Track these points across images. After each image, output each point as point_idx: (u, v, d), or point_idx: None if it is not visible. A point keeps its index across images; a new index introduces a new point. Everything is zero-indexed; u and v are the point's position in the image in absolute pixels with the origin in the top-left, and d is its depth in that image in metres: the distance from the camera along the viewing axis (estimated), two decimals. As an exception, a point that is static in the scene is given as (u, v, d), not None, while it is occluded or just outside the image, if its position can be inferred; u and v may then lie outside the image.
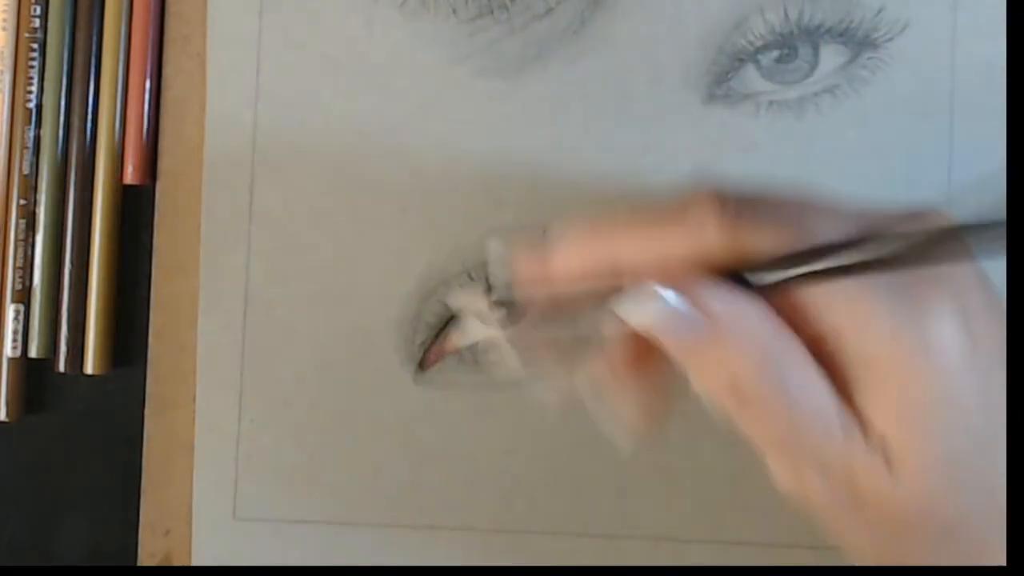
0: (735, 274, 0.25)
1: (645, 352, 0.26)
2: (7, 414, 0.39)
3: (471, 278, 0.38)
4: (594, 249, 0.26)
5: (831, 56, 0.38)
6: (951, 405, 0.24)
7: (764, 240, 0.24)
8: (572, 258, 0.26)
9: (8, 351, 0.39)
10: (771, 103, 0.38)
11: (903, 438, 0.24)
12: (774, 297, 0.25)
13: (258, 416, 0.38)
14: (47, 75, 0.39)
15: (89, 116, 0.39)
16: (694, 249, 0.25)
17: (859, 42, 0.38)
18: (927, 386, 0.24)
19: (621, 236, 0.26)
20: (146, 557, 0.39)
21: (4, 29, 0.38)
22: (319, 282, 0.39)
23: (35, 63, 0.38)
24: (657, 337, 0.25)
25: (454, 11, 0.38)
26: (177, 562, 0.38)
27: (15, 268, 0.38)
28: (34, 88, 0.38)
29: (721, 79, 0.38)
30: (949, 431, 0.24)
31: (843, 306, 0.24)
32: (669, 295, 0.24)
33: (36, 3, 0.38)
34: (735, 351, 0.24)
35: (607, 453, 0.38)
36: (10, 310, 0.38)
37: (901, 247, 0.23)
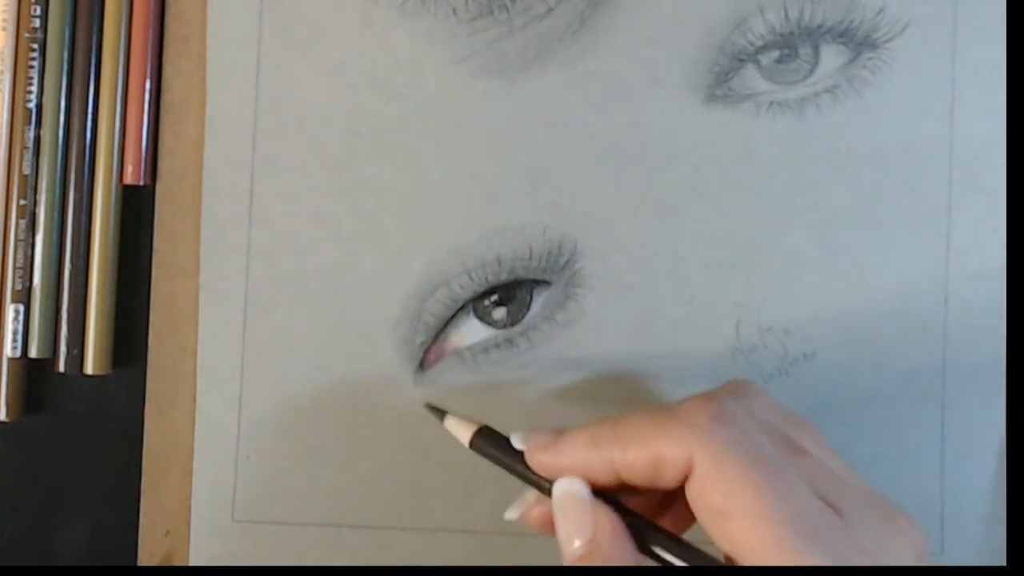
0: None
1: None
2: (7, 414, 0.39)
3: (471, 278, 0.38)
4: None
5: (831, 56, 0.38)
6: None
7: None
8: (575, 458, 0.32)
9: (8, 351, 0.39)
10: (771, 103, 0.38)
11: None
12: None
13: (258, 416, 0.38)
14: (47, 75, 0.39)
15: (89, 116, 0.39)
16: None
17: (859, 42, 0.38)
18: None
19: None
20: (146, 557, 0.39)
21: (4, 29, 0.38)
22: (319, 282, 0.39)
23: (35, 63, 0.38)
24: (556, 523, 0.31)
25: (454, 11, 0.38)
26: (177, 562, 0.38)
27: (15, 268, 0.38)
28: (34, 88, 0.38)
29: (721, 79, 0.38)
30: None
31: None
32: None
33: (36, 3, 0.38)
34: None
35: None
36: (10, 310, 0.38)
37: None
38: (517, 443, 0.32)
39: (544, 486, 0.32)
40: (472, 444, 0.33)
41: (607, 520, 0.30)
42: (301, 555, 0.38)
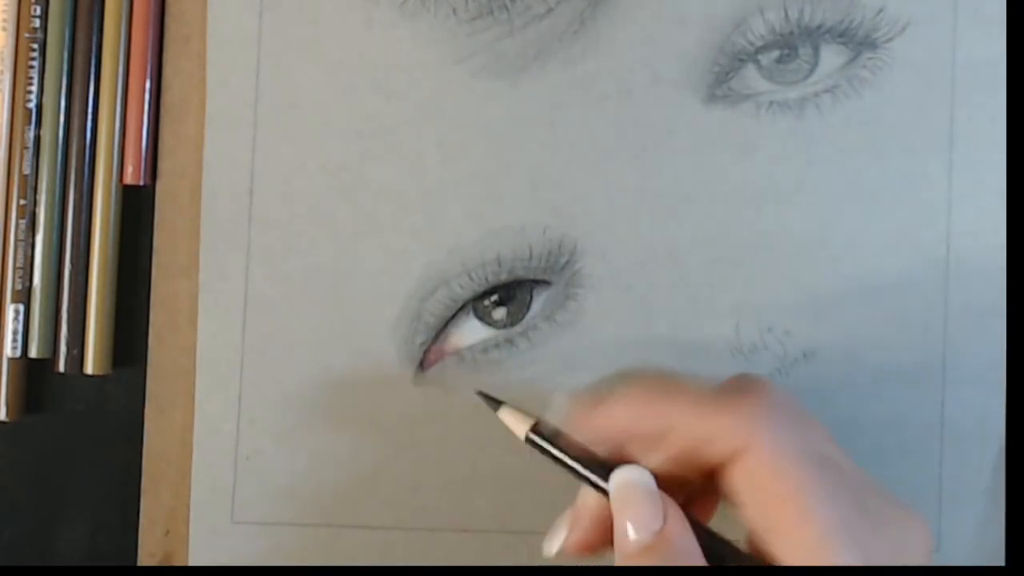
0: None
1: (600, 535, 0.31)
2: (7, 414, 0.39)
3: (471, 278, 0.38)
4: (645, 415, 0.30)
5: (831, 56, 0.38)
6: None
7: None
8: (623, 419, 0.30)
9: (8, 351, 0.39)
10: (771, 103, 0.38)
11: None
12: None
13: (257, 416, 0.38)
14: (47, 75, 0.39)
15: (89, 116, 0.39)
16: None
17: (859, 42, 0.38)
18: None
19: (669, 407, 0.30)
20: (146, 557, 0.39)
21: (4, 29, 0.38)
22: (319, 282, 0.39)
23: (35, 63, 0.38)
24: (618, 514, 0.30)
25: (454, 11, 0.38)
26: (177, 562, 0.38)
27: (15, 268, 0.38)
28: (34, 88, 0.38)
29: (721, 79, 0.38)
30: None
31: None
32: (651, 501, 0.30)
33: (36, 3, 0.38)
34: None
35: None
36: (10, 310, 0.38)
37: None
38: (559, 404, 0.31)
39: (601, 485, 0.30)
40: (527, 438, 0.32)
41: (677, 512, 0.29)
42: (301, 555, 0.38)
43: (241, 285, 0.39)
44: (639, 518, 0.29)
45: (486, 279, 0.38)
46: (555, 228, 0.38)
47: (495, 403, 0.34)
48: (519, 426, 0.32)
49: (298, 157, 0.39)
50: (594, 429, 0.31)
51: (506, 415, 0.33)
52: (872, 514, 0.29)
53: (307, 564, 0.38)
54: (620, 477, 0.30)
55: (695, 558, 0.29)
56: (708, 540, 0.29)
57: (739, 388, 0.30)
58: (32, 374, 0.39)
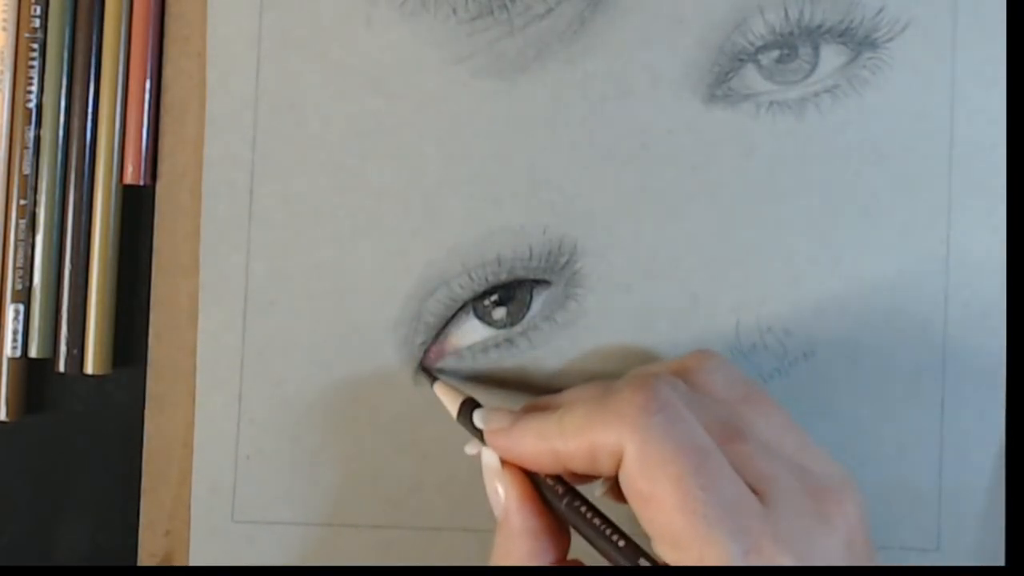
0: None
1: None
2: (7, 414, 0.39)
3: (471, 278, 0.38)
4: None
5: (831, 56, 0.38)
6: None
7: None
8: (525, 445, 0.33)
9: (8, 351, 0.39)
10: (771, 103, 0.38)
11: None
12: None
13: (257, 416, 0.38)
14: (47, 75, 0.39)
15: (89, 116, 0.39)
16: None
17: (859, 42, 0.38)
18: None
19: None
20: (146, 557, 0.39)
21: (4, 29, 0.38)
22: (319, 282, 0.39)
23: (35, 63, 0.38)
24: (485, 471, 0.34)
25: (454, 11, 0.38)
26: (177, 562, 0.38)
27: (15, 268, 0.38)
28: (34, 88, 0.38)
29: (721, 79, 0.38)
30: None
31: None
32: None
33: (36, 3, 0.38)
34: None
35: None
36: (10, 310, 0.38)
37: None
38: (478, 421, 0.34)
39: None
40: (459, 415, 0.35)
41: (513, 488, 0.33)
42: (301, 555, 0.38)
43: (241, 285, 0.39)
44: (491, 496, 0.33)
45: (486, 279, 0.38)
46: (555, 228, 0.38)
47: (431, 379, 0.37)
48: (451, 403, 0.36)
49: (298, 157, 0.39)
50: (502, 455, 0.33)
51: (440, 391, 0.37)
52: (772, 499, 0.29)
53: (307, 564, 0.38)
54: (482, 462, 0.34)
55: (536, 539, 0.32)
56: (595, 534, 0.31)
57: (620, 395, 0.31)
58: (32, 374, 0.39)
